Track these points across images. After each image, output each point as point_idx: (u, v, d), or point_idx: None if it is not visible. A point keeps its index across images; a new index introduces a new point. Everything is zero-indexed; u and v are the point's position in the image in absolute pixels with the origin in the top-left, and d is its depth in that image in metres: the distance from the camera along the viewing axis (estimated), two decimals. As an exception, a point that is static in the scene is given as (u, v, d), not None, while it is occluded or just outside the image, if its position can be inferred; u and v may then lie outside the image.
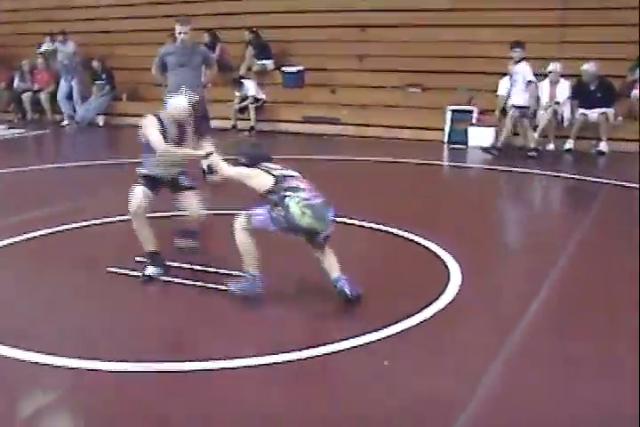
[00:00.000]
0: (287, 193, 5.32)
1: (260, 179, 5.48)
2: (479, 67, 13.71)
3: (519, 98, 12.30)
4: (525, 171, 10.90)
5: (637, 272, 5.95)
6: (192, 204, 6.19)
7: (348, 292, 5.35)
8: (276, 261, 5.96)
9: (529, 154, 12.06)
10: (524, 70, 12.13)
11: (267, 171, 5.51)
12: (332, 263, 5.52)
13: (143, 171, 6.11)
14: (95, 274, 6.10)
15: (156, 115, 6.11)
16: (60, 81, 16.70)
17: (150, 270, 6.04)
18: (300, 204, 5.26)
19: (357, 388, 4.31)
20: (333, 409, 4.07)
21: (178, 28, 9.42)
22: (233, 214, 5.65)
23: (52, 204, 8.50)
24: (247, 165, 5.61)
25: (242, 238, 5.46)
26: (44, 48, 16.94)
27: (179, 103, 6.11)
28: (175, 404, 4.11)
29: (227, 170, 5.75)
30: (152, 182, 6.06)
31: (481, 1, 14.14)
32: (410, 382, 4.34)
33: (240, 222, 5.49)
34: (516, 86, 12.31)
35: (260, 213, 5.40)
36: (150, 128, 5.99)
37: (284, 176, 5.48)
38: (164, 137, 5.98)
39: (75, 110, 16.44)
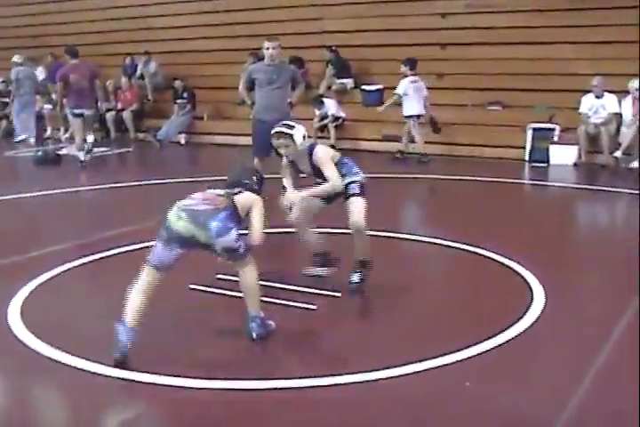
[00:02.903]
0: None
1: None
2: (560, 84, 13.56)
3: (413, 108, 13.51)
4: (609, 189, 10.74)
5: None
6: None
7: (254, 335, 5.12)
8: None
9: (396, 155, 13.69)
10: (400, 85, 13.56)
11: None
12: (246, 292, 5.18)
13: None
14: (177, 291, 6.16)
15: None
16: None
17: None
18: (176, 209, 4.96)
19: (438, 409, 4.26)
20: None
21: (267, 44, 9.56)
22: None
23: (137, 220, 8.61)
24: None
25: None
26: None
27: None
28: (258, 423, 4.13)
29: None
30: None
31: (561, 18, 13.98)
32: (493, 404, 4.28)
33: None
34: (407, 99, 13.57)
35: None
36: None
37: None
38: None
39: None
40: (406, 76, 13.62)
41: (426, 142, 13.75)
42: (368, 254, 6.06)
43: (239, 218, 5.03)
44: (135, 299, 4.93)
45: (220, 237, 4.88)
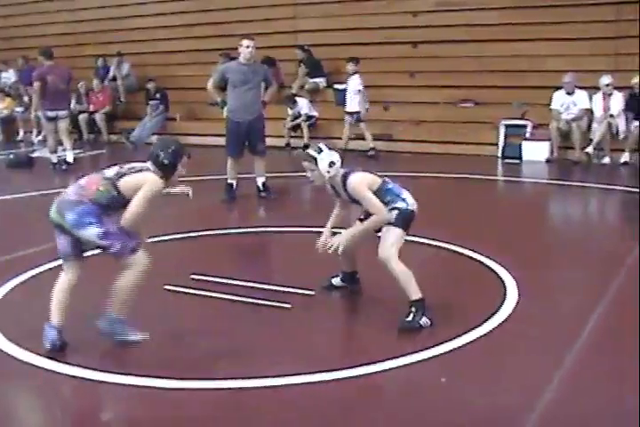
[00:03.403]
0: None
1: None
2: (532, 81, 13.62)
3: (352, 105, 13.77)
4: (581, 184, 10.83)
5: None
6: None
7: (100, 332, 5.04)
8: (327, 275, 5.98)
9: (368, 154, 13.55)
10: (354, 82, 13.66)
11: None
12: (115, 292, 4.99)
13: None
14: (152, 292, 6.13)
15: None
16: None
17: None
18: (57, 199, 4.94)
19: (414, 405, 4.28)
20: None
21: (246, 42, 9.55)
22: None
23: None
24: None
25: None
26: None
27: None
28: (233, 422, 4.14)
29: None
30: None
31: (533, 15, 14.04)
32: (467, 399, 4.30)
33: None
34: (349, 95, 13.81)
35: None
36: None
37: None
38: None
39: None
40: (352, 75, 13.77)
41: (402, 140, 13.84)
42: (410, 293, 5.34)
43: (113, 210, 4.91)
44: (57, 298, 5.01)
45: (78, 230, 4.82)
